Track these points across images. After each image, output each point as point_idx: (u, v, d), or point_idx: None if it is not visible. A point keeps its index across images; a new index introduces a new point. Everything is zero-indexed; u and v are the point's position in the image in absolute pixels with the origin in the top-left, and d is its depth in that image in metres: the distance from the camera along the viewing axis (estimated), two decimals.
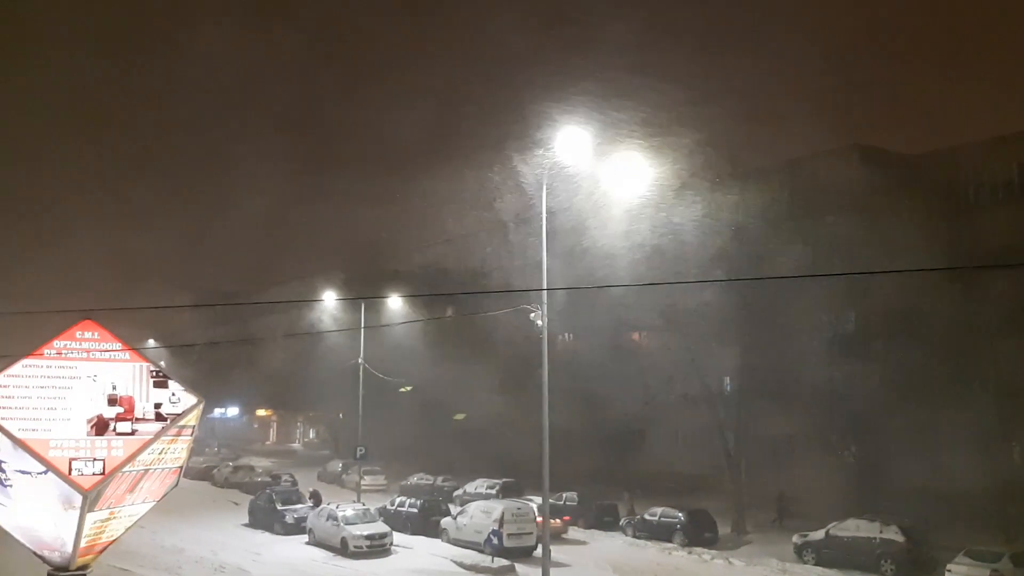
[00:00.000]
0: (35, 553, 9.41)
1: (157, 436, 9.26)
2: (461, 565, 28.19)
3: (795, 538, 29.38)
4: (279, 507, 35.05)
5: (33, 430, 8.67)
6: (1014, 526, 28.15)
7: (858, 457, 33.08)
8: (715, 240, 30.88)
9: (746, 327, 31.79)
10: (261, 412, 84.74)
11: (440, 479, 44.53)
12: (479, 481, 40.77)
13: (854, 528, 27.85)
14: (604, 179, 22.84)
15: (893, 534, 26.83)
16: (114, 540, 9.72)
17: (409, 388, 48.01)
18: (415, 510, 34.59)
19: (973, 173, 33.52)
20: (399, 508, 35.17)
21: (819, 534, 28.62)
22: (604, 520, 35.21)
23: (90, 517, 8.76)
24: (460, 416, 47.04)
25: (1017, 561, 23.96)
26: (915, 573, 26.06)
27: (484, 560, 27.81)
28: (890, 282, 27.81)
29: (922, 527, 27.46)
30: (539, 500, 25.53)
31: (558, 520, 31.93)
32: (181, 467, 10.11)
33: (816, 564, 27.91)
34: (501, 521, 29.01)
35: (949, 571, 24.58)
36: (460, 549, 30.17)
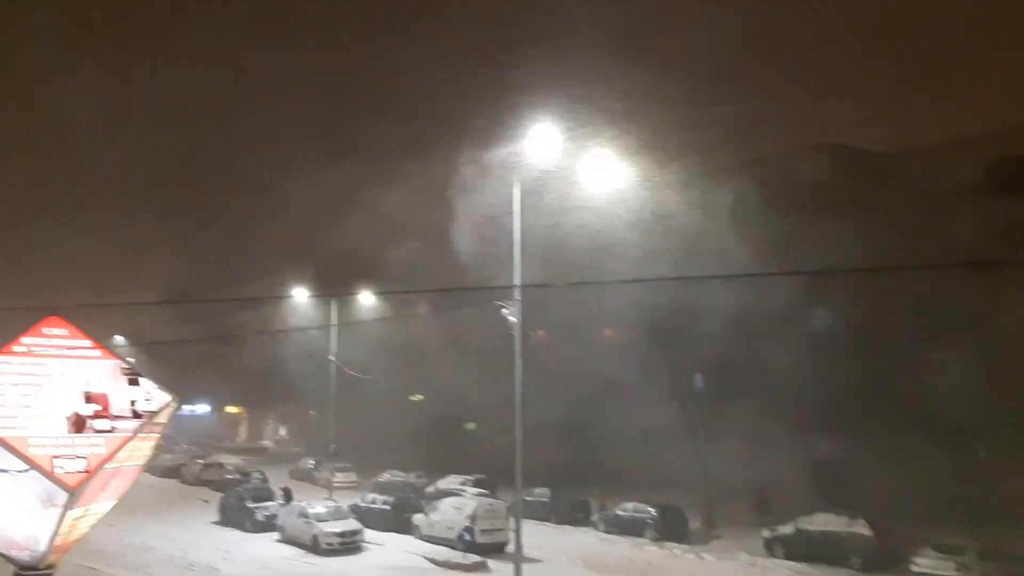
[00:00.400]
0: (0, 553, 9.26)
1: (136, 433, 9.19)
2: (433, 562, 28.19)
3: (764, 532, 29.69)
4: (250, 505, 34.81)
5: (11, 428, 8.55)
6: (979, 521, 28.58)
7: (828, 452, 33.40)
8: (687, 237, 31.08)
9: (717, 324, 32.01)
10: (231, 409, 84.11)
11: (413, 476, 44.48)
12: (451, 477, 40.78)
13: (823, 522, 28.19)
14: (578, 175, 22.91)
15: (861, 528, 27.21)
16: (80, 538, 9.64)
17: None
18: (387, 507, 34.50)
19: (943, 172, 33.91)
20: (371, 505, 35.06)
21: (788, 528, 28.94)
22: (576, 516, 35.37)
23: (68, 515, 8.67)
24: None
25: (982, 554, 24.38)
26: (882, 566, 26.43)
27: (456, 556, 27.82)
28: (862, 279, 28.17)
29: (889, 521, 27.86)
30: (511, 496, 25.58)
31: None
32: (143, 465, 10.05)
33: (786, 558, 28.23)
34: (473, 517, 29.04)
35: (915, 564, 24.99)
36: (433, 546, 30.17)
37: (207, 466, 51.34)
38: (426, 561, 28.45)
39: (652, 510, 32.28)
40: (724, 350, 32.46)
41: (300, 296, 49.11)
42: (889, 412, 30.12)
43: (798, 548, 28.22)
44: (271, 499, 36.14)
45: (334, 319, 41.28)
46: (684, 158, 30.67)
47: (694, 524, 32.91)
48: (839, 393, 32.27)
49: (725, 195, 32.24)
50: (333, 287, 49.22)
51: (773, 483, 33.54)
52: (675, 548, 30.35)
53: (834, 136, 36.10)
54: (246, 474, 47.15)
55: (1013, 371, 29.93)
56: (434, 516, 31.57)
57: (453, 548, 28.57)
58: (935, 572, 24.45)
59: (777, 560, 28.31)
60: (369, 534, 31.39)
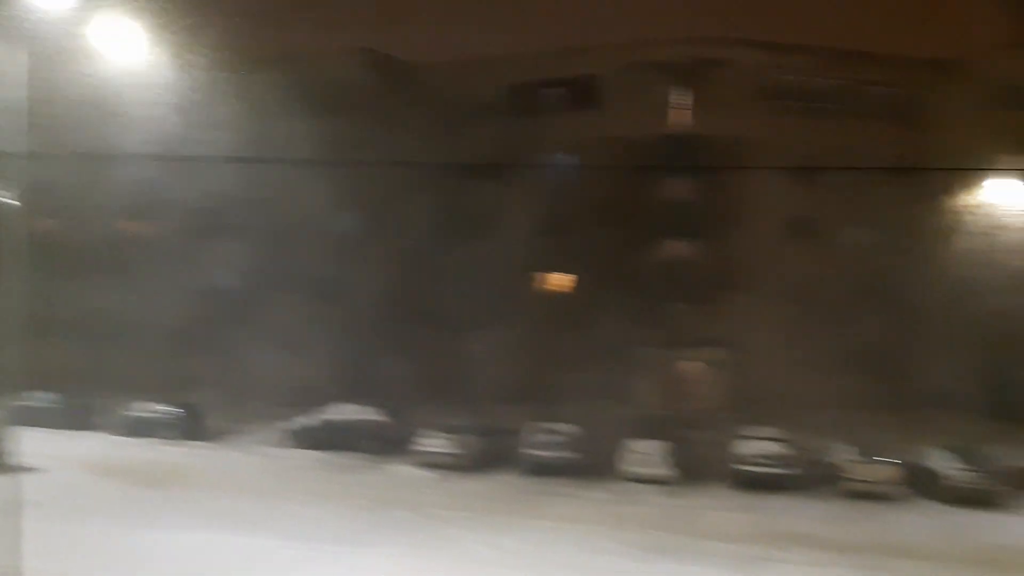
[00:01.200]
0: None
1: None
2: None
3: (290, 424, 30.51)
4: None
5: None
6: (476, 402, 32.28)
7: (353, 346, 34.91)
8: (215, 126, 29.66)
9: (249, 218, 31.44)
10: None
11: None
12: None
13: (343, 412, 30.09)
14: (91, 41, 20.33)
15: (375, 415, 29.55)
16: None
17: None
18: None
19: (468, 88, 36.46)
20: None
21: (312, 420, 30.17)
22: (85, 420, 32.72)
23: None
24: None
25: (475, 432, 27.89)
26: (393, 448, 28.74)
27: None
28: (380, 177, 29.68)
29: (401, 408, 30.35)
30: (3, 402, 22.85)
31: None
32: None
33: (311, 448, 29.37)
34: None
35: (420, 444, 27.74)
36: None
37: None
38: None
39: (171, 409, 31.24)
40: (257, 245, 32.08)
41: None
42: (403, 306, 32.46)
43: (321, 438, 29.57)
44: None
45: None
46: (213, 42, 28.89)
47: (217, 422, 32.33)
48: (359, 287, 33.86)
49: (252, 86, 31.36)
50: None
51: (302, 377, 34.33)
52: (197, 446, 29.75)
53: (370, 42, 36.70)
54: None
55: (504, 263, 33.87)
56: None
57: None
58: (435, 450, 27.41)
59: (303, 451, 29.36)
60: None
